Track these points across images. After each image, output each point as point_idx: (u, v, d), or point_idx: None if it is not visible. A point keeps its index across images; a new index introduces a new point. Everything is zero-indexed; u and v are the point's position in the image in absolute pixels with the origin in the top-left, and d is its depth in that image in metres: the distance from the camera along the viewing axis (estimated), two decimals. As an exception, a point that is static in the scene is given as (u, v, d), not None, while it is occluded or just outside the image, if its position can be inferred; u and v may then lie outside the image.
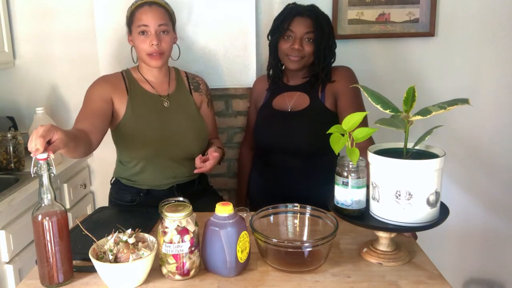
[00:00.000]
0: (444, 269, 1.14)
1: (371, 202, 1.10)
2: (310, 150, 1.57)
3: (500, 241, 2.19)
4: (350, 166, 1.10)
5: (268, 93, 1.71)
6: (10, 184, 1.72)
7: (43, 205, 1.00)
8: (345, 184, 1.10)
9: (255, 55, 1.94)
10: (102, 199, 2.19)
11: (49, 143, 0.99)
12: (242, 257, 1.05)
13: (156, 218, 1.30)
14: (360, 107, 1.54)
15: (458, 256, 2.22)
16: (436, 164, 1.02)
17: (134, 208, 1.51)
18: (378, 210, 1.08)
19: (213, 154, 1.45)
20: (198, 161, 1.45)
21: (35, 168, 0.99)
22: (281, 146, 1.60)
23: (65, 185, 1.95)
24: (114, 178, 1.63)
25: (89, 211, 2.16)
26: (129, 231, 1.06)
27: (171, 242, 1.01)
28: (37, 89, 2.14)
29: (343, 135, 1.08)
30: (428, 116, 1.01)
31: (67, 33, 2.08)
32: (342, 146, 1.08)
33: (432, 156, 1.05)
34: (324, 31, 1.54)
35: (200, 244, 1.07)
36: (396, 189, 1.03)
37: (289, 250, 1.07)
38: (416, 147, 1.08)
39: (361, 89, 1.10)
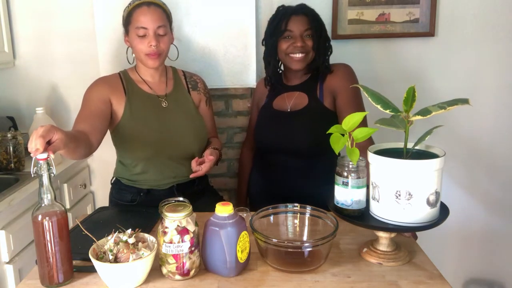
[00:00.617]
0: (444, 269, 1.14)
1: (371, 202, 1.10)
2: (309, 149, 1.57)
3: (500, 241, 2.19)
4: (350, 166, 1.10)
5: (269, 94, 1.71)
6: (10, 184, 1.73)
7: (43, 205, 1.00)
8: (345, 184, 1.10)
9: (255, 55, 1.94)
10: (102, 199, 2.19)
11: (49, 143, 0.99)
12: (242, 257, 1.05)
13: (156, 218, 1.29)
14: (358, 105, 1.54)
15: (458, 256, 2.22)
16: (436, 164, 1.02)
17: (134, 208, 1.51)
18: (378, 210, 1.08)
19: (209, 157, 1.45)
20: (194, 164, 1.45)
21: (35, 168, 0.99)
22: (281, 146, 1.60)
23: (65, 185, 1.95)
24: (114, 178, 1.63)
25: (89, 211, 2.16)
26: (129, 231, 1.06)
27: (171, 242, 1.01)
28: (37, 89, 2.14)
29: (343, 135, 1.08)
30: (428, 116, 1.01)
31: (67, 33, 2.08)
32: (342, 146, 1.08)
33: (432, 156, 1.05)
34: (320, 25, 1.59)
35: (200, 244, 1.07)
36: (396, 189, 1.03)
37: (289, 250, 1.07)
38: (416, 147, 1.08)
39: (361, 89, 1.10)
